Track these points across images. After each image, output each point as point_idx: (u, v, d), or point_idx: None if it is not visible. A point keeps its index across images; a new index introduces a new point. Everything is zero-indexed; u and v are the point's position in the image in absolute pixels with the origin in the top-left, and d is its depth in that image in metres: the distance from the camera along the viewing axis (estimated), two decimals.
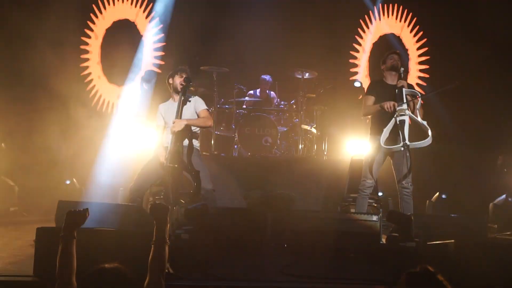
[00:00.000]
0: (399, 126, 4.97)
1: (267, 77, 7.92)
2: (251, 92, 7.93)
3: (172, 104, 5.17)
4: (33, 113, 7.05)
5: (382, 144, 4.98)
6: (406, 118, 5.01)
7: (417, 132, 5.24)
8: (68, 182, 6.96)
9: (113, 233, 3.62)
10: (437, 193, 7.00)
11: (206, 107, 5.18)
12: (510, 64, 7.40)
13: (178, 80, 5.08)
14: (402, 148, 4.91)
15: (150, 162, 5.06)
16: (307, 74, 7.42)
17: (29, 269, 3.44)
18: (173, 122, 4.83)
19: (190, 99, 5.04)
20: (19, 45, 7.04)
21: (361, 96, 7.19)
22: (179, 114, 4.88)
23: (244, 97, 7.70)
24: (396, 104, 5.00)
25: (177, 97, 5.10)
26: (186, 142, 4.93)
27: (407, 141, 4.91)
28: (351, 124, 7.42)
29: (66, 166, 6.87)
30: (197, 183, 4.84)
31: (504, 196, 6.43)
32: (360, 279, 3.65)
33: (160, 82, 7.31)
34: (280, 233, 4.98)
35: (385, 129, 5.02)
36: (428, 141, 4.96)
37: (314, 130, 7.33)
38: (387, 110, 5.00)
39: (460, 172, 7.55)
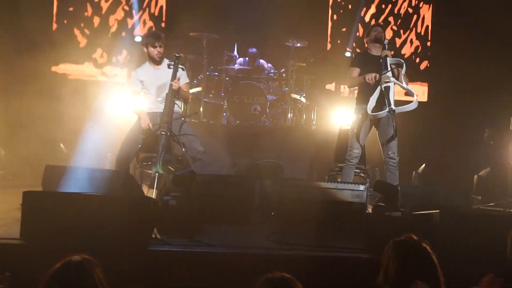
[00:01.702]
0: (384, 92, 5.03)
1: (253, 50, 7.82)
2: (241, 60, 7.85)
3: (152, 70, 5.12)
4: (23, 77, 6.94)
5: (369, 112, 5.02)
6: (391, 85, 5.07)
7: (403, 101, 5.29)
8: (62, 146, 6.91)
9: (100, 197, 3.61)
10: (424, 165, 7.06)
11: (188, 81, 5.22)
12: (497, 37, 7.39)
13: (154, 52, 5.03)
14: (388, 114, 4.96)
15: (133, 130, 5.06)
16: (298, 44, 7.35)
17: (15, 232, 3.44)
18: (172, 84, 4.82)
19: (181, 67, 5.01)
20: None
21: None
22: (174, 78, 4.89)
23: (234, 65, 7.61)
24: (377, 76, 5.04)
25: (155, 64, 5.07)
26: (176, 108, 4.95)
27: (392, 106, 4.96)
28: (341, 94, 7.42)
29: (53, 130, 6.80)
30: (185, 149, 4.86)
31: (488, 168, 6.52)
32: (346, 247, 3.70)
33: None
34: (267, 201, 5.03)
35: (371, 98, 5.06)
36: (413, 104, 5.04)
37: (303, 100, 7.31)
38: (368, 81, 5.03)
39: (446, 144, 7.62)
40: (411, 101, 5.16)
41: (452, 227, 3.57)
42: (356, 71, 5.29)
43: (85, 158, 6.14)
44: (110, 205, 3.49)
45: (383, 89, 5.03)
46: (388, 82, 5.05)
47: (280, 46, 7.63)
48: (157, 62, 5.10)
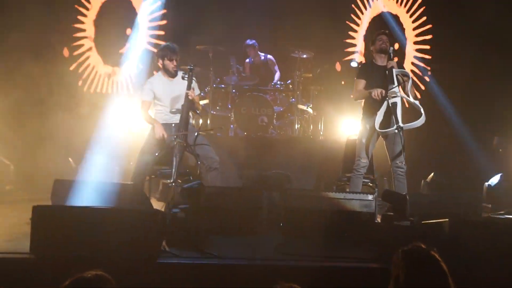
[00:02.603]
0: (392, 108, 5.01)
1: (250, 42, 7.79)
2: (247, 60, 7.87)
3: (166, 81, 5.16)
4: (29, 92, 7.00)
5: (377, 128, 5.02)
6: (398, 100, 5.04)
7: (410, 112, 5.26)
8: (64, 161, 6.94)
9: (109, 211, 3.62)
10: (432, 173, 7.03)
11: (200, 92, 5.27)
12: (506, 42, 7.37)
13: (169, 65, 5.08)
14: (396, 131, 4.94)
15: (148, 142, 5.07)
16: (304, 55, 7.38)
17: (25, 247, 3.45)
18: (188, 94, 4.88)
19: (194, 79, 5.06)
20: (14, 17, 6.98)
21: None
22: (189, 88, 4.95)
23: (241, 75, 7.64)
24: (384, 92, 5.02)
25: (170, 77, 5.12)
26: (190, 120, 5.00)
27: (400, 123, 4.95)
28: (348, 105, 7.41)
29: (62, 145, 6.84)
30: (200, 161, 4.89)
31: (498, 176, 6.47)
32: (355, 257, 3.68)
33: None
34: (276, 212, 5.02)
35: (378, 112, 5.06)
36: (421, 121, 5.01)
37: (310, 110, 7.32)
38: (375, 97, 5.01)
39: (455, 152, 7.58)
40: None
41: (462, 235, 3.54)
42: (362, 83, 5.27)
43: (94, 171, 6.17)
44: (119, 218, 3.50)
45: (390, 105, 5.01)
46: (395, 97, 5.02)
47: (286, 57, 7.67)
48: (172, 74, 5.13)
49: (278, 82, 7.62)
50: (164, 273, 3.34)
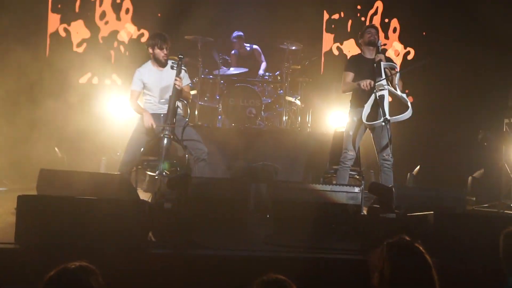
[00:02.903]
0: (379, 101, 5.05)
1: (235, 34, 7.72)
2: (233, 51, 7.85)
3: (156, 71, 5.12)
4: (19, 83, 6.92)
5: (364, 120, 5.05)
6: (386, 93, 5.07)
7: (397, 105, 5.29)
8: (57, 149, 6.89)
9: (96, 201, 3.61)
10: (418, 166, 7.09)
11: (190, 82, 5.24)
12: (491, 38, 7.43)
13: (160, 55, 5.04)
14: (383, 123, 4.98)
15: (136, 132, 5.04)
16: (293, 46, 7.37)
17: (10, 237, 3.42)
18: (175, 82, 4.84)
19: (183, 68, 5.03)
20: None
21: None
22: (178, 75, 4.91)
23: (229, 68, 7.61)
24: (372, 82, 5.04)
25: (159, 66, 5.08)
26: (179, 110, 4.98)
27: (387, 116, 4.99)
28: (336, 97, 7.44)
29: (48, 134, 6.78)
30: (188, 151, 4.88)
31: (482, 169, 6.55)
32: (341, 249, 3.71)
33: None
34: (263, 203, 5.03)
35: (366, 105, 5.09)
36: (408, 113, 5.05)
37: (298, 102, 7.33)
38: (363, 88, 5.03)
39: (441, 146, 7.65)
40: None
41: (446, 228, 3.59)
42: (350, 75, 5.29)
43: (80, 161, 6.14)
44: (105, 208, 3.48)
45: (377, 98, 5.04)
46: (383, 89, 5.06)
47: (275, 49, 7.66)
48: (162, 64, 5.09)
49: (266, 74, 7.61)
50: (150, 263, 3.34)
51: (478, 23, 7.38)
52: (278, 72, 7.53)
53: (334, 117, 7.14)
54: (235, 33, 7.75)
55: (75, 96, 6.98)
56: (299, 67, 7.49)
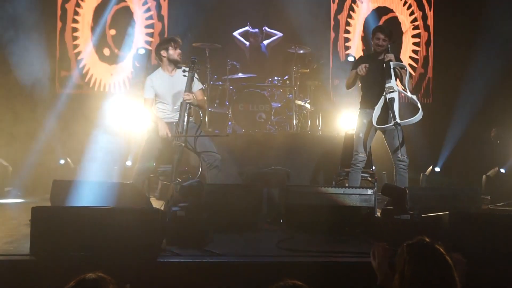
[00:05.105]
0: (389, 104, 4.98)
1: (255, 30, 7.74)
2: (246, 44, 7.84)
3: (167, 77, 5.08)
4: (25, 93, 6.99)
5: (374, 123, 5.01)
6: (395, 95, 5.00)
7: (408, 106, 5.24)
8: (62, 161, 6.94)
9: (109, 210, 3.62)
10: (431, 166, 7.04)
11: (202, 86, 5.20)
12: (503, 35, 7.38)
13: (175, 53, 4.99)
14: (393, 127, 4.92)
15: (150, 140, 5.01)
16: (301, 50, 7.37)
17: (25, 249, 3.44)
18: (184, 98, 4.83)
19: (196, 76, 5.01)
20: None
21: None
22: (188, 90, 4.88)
23: (238, 74, 7.62)
24: (367, 66, 5.00)
25: (171, 70, 5.06)
26: (191, 118, 4.96)
27: (397, 120, 4.92)
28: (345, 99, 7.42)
29: (60, 145, 6.84)
30: (201, 158, 4.88)
31: (496, 168, 6.49)
32: (356, 252, 3.68)
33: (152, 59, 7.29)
34: (275, 208, 5.01)
35: (376, 107, 5.04)
36: (418, 116, 4.96)
37: (308, 106, 7.32)
38: (360, 73, 5.00)
39: (454, 145, 7.59)
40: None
41: (462, 228, 3.54)
42: (353, 72, 5.24)
43: (93, 171, 6.17)
44: (118, 218, 3.48)
45: (387, 100, 4.97)
46: (392, 92, 4.98)
47: (283, 53, 7.66)
48: (173, 66, 5.04)
49: (276, 78, 7.60)
50: (165, 272, 3.33)
51: (489, 20, 7.33)
52: (287, 76, 7.53)
53: (344, 119, 7.11)
54: (253, 30, 7.74)
55: (88, 105, 7.04)
56: (308, 70, 7.48)
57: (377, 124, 5.02)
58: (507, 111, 6.62)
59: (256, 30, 7.79)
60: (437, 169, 7.09)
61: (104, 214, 3.51)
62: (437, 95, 8.30)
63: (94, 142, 6.51)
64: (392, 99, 4.98)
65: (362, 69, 5.01)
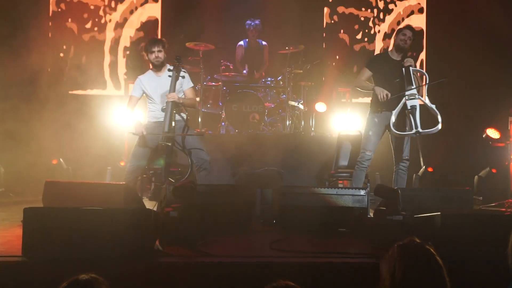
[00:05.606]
0: (410, 111, 4.83)
1: (252, 22, 7.67)
2: (240, 43, 7.82)
3: (155, 78, 5.14)
4: (18, 94, 6.95)
5: (392, 128, 4.88)
6: (417, 103, 4.86)
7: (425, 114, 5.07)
8: (54, 162, 6.91)
9: (102, 211, 3.61)
10: (423, 167, 7.07)
11: (192, 85, 5.21)
12: (496, 36, 7.42)
13: (151, 57, 5.06)
14: (414, 135, 4.87)
15: (140, 141, 5.04)
16: (294, 51, 7.37)
17: (17, 250, 3.42)
18: (167, 97, 4.83)
19: (182, 74, 5.02)
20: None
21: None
22: (172, 90, 4.90)
23: (231, 74, 7.61)
24: (389, 95, 4.89)
25: (159, 70, 5.09)
26: (177, 117, 4.97)
27: (419, 129, 4.81)
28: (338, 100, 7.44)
29: (52, 146, 6.81)
30: (190, 161, 4.88)
31: (488, 168, 6.53)
32: (349, 253, 3.69)
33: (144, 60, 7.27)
34: (269, 209, 5.02)
35: (394, 111, 4.92)
36: (438, 127, 4.86)
37: (301, 106, 7.33)
38: (380, 99, 4.90)
39: (445, 146, 7.62)
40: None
41: (454, 229, 3.56)
42: (367, 73, 5.15)
43: (85, 172, 6.14)
44: (111, 218, 3.48)
45: (408, 108, 4.82)
46: (414, 99, 4.84)
47: (277, 53, 7.66)
48: (158, 68, 5.09)
49: (269, 79, 7.61)
50: (157, 272, 3.33)
51: (483, 22, 7.36)
52: (280, 77, 7.54)
53: (337, 120, 7.12)
54: (254, 22, 7.68)
55: (79, 106, 7.01)
56: (301, 71, 7.50)
57: (395, 129, 4.89)
58: (499, 112, 6.66)
59: (257, 21, 7.71)
60: (430, 169, 7.11)
61: (96, 215, 3.49)
62: (430, 95, 8.32)
63: (87, 142, 6.50)
64: (414, 107, 4.83)
65: (383, 97, 4.87)
